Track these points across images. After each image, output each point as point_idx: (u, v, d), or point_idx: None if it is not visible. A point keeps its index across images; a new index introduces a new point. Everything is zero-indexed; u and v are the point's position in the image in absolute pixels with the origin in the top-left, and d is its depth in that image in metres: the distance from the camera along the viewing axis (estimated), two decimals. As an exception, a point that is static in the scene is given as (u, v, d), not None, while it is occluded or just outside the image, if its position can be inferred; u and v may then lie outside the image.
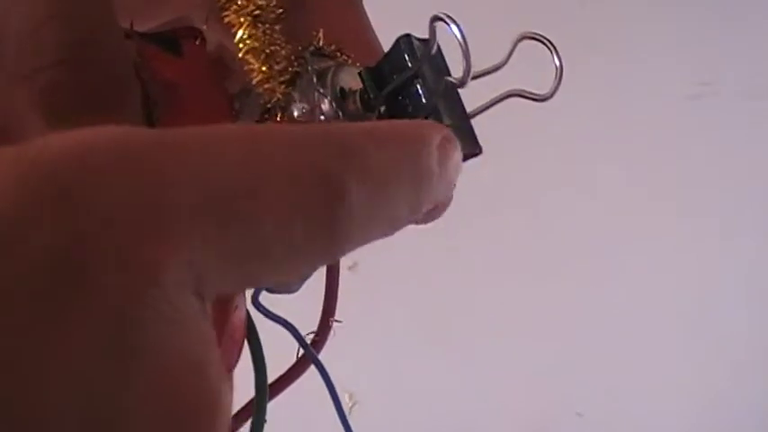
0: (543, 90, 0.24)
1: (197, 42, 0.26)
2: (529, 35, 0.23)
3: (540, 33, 0.22)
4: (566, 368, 0.98)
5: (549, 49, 0.22)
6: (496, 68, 0.24)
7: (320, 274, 0.28)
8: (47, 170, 0.15)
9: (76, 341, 0.14)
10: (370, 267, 0.94)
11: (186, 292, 0.16)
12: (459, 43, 0.22)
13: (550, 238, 1.03)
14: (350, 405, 0.92)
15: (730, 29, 1.11)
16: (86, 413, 0.14)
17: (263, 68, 0.24)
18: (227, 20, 0.24)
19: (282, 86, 0.24)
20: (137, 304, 0.15)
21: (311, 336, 0.27)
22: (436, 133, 0.22)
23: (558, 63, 0.22)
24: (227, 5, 0.24)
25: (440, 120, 0.23)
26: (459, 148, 0.22)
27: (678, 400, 0.98)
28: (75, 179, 0.15)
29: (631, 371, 0.99)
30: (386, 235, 0.20)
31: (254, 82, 0.24)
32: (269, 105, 0.25)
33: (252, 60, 0.24)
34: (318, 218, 0.18)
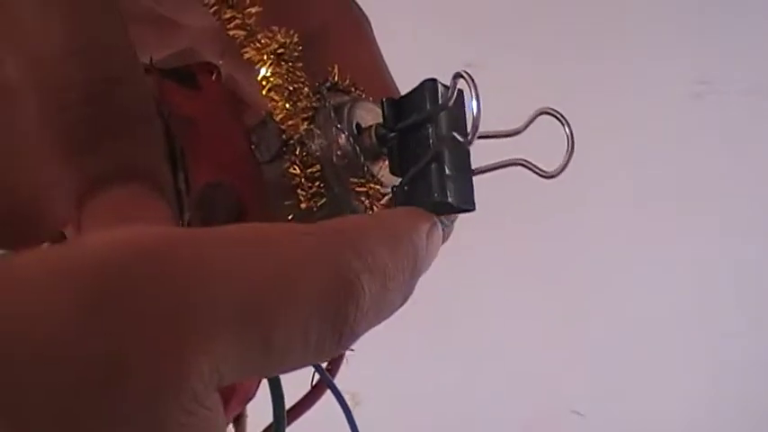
0: (550, 163, 0.24)
1: (213, 77, 0.26)
2: (547, 111, 0.23)
3: (559, 111, 0.23)
4: (565, 368, 0.98)
5: (563, 124, 0.23)
6: (510, 135, 0.25)
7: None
8: (89, 278, 0.16)
9: None
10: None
11: (211, 389, 0.17)
12: (473, 105, 0.23)
13: (550, 237, 1.03)
14: (352, 405, 0.93)
15: (731, 27, 1.11)
16: None
17: (287, 106, 0.25)
18: (247, 56, 0.24)
19: (306, 123, 0.25)
20: (169, 407, 0.16)
21: (324, 364, 0.28)
22: (425, 222, 0.23)
23: (569, 140, 0.23)
24: (247, 42, 0.24)
25: (442, 167, 0.23)
26: (440, 231, 0.24)
27: (678, 400, 0.98)
28: (116, 287, 0.16)
29: (631, 370, 0.99)
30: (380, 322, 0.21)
31: (277, 118, 0.25)
32: (287, 140, 0.25)
33: (276, 97, 0.24)
34: (334, 319, 0.19)
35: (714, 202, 1.05)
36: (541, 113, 0.23)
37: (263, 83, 0.24)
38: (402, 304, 0.22)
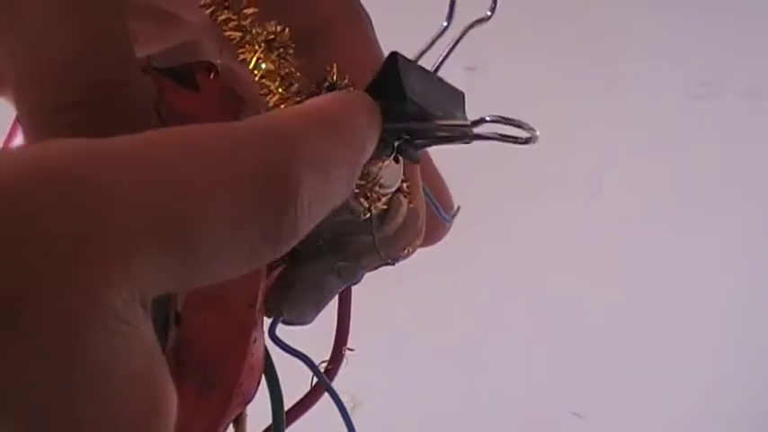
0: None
1: (211, 76, 0.26)
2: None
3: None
4: (564, 369, 0.98)
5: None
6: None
7: (333, 303, 0.28)
8: None
9: (20, 378, 0.15)
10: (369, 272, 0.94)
11: (134, 304, 0.16)
12: None
13: (550, 238, 1.03)
14: (351, 406, 0.92)
15: (731, 28, 1.12)
16: None
17: (280, 90, 0.24)
18: (242, 57, 0.24)
19: None
20: (82, 331, 0.15)
21: (323, 365, 0.28)
22: (364, 105, 0.22)
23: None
24: (243, 42, 0.24)
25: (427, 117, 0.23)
26: (380, 117, 0.23)
27: (677, 402, 0.98)
28: (10, 209, 0.15)
29: (630, 372, 0.99)
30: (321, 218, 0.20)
31: (270, 104, 0.24)
32: None
33: (268, 83, 0.24)
34: (271, 217, 0.18)
35: (714, 202, 1.05)
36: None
37: (255, 71, 0.24)
38: (344, 197, 0.21)
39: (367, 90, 0.24)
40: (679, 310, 1.01)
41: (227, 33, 0.24)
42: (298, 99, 0.25)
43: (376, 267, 0.28)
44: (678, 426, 0.98)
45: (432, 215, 0.31)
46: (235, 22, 0.24)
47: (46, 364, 0.15)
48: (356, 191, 0.25)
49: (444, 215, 0.31)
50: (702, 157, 1.06)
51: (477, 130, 0.24)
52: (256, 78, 0.24)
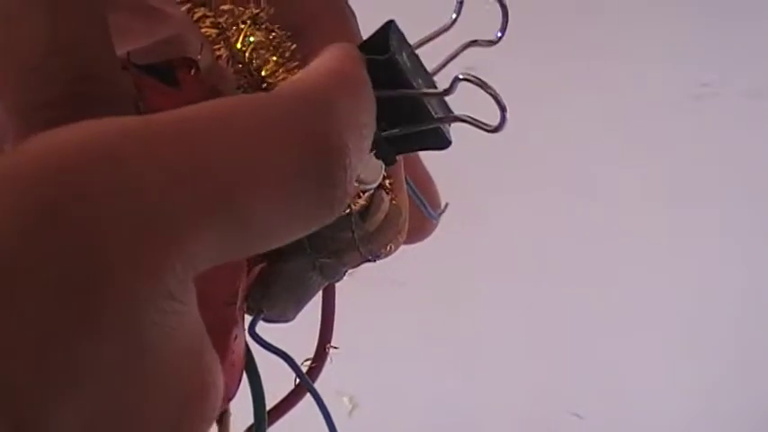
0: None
1: (192, 72, 0.26)
2: (464, 77, 0.23)
3: (474, 75, 0.22)
4: (564, 370, 0.98)
5: (482, 87, 0.22)
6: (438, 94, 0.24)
7: (317, 300, 0.28)
8: (33, 185, 0.15)
9: (91, 355, 0.15)
10: (368, 271, 0.93)
11: (188, 282, 0.16)
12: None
13: (550, 239, 1.03)
14: (350, 408, 0.92)
15: (731, 30, 1.11)
16: (96, 413, 0.15)
17: (274, 58, 0.24)
18: (217, 53, 0.24)
19: (298, 71, 0.24)
20: (146, 310, 0.15)
21: (307, 363, 0.27)
22: (356, 54, 0.22)
23: (496, 99, 0.22)
24: (219, 39, 0.24)
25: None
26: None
27: (677, 403, 0.98)
28: (64, 192, 0.15)
29: (630, 372, 0.99)
30: None
31: (265, 74, 0.24)
32: None
33: (261, 53, 0.24)
34: (322, 184, 0.18)
35: (714, 203, 1.05)
36: (458, 80, 0.23)
37: (244, 47, 0.23)
38: (367, 153, 0.21)
39: None
40: (679, 311, 1.01)
41: (204, 30, 0.24)
42: (294, 65, 0.24)
43: (358, 264, 0.28)
44: (678, 427, 0.98)
45: (418, 212, 0.30)
46: (211, 19, 0.24)
47: (110, 343, 0.15)
48: None
49: (431, 212, 0.31)
50: (702, 158, 1.06)
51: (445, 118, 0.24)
52: (247, 54, 0.24)
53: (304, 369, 0.27)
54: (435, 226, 0.32)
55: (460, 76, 0.22)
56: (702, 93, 1.09)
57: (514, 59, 1.06)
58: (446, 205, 0.32)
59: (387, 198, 0.27)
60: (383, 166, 0.26)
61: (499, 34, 0.26)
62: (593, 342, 0.99)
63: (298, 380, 0.27)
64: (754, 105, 1.09)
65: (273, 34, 0.24)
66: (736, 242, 1.04)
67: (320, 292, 0.28)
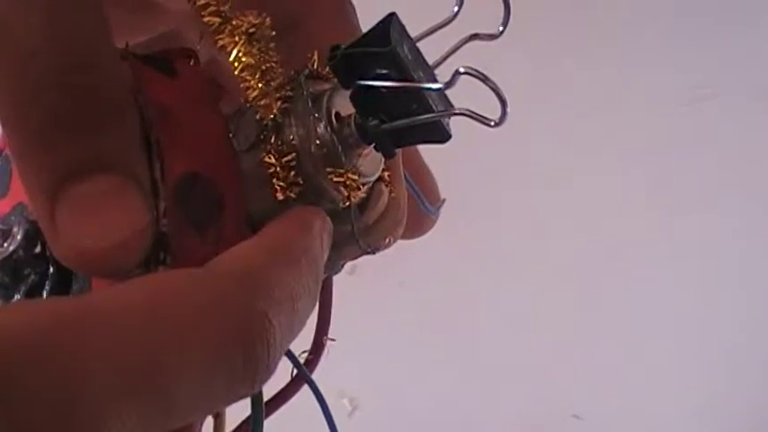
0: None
1: (191, 63, 0.25)
2: (465, 71, 0.23)
3: (474, 69, 0.22)
4: (565, 371, 0.98)
5: (482, 80, 0.22)
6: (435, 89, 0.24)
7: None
8: None
9: None
10: (369, 271, 0.93)
11: None
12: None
13: (549, 241, 1.03)
14: (350, 410, 0.92)
15: (730, 33, 1.11)
16: None
17: (260, 85, 0.24)
18: (220, 43, 0.24)
19: (279, 102, 0.24)
20: None
21: (304, 355, 0.27)
22: (316, 221, 0.23)
23: (496, 93, 0.22)
24: (222, 28, 0.24)
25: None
26: (328, 221, 0.23)
27: (677, 404, 0.98)
28: None
29: (630, 373, 0.99)
30: None
31: (250, 98, 0.24)
32: (265, 124, 0.24)
33: (248, 77, 0.24)
34: (243, 362, 0.19)
35: (713, 206, 1.05)
36: (459, 74, 0.22)
37: (236, 63, 0.24)
38: (311, 312, 0.22)
39: (354, 44, 0.24)
40: (679, 312, 1.01)
41: (206, 19, 0.24)
42: (277, 95, 0.24)
43: (356, 257, 0.27)
44: (679, 428, 0.98)
45: (417, 207, 0.30)
46: (213, 7, 0.24)
47: None
48: (336, 180, 0.25)
49: (429, 207, 0.31)
50: (701, 161, 1.06)
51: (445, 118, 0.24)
52: (236, 72, 0.24)
53: (301, 361, 0.27)
54: (434, 221, 0.32)
55: (461, 70, 0.23)
56: (701, 96, 1.09)
57: (512, 59, 1.06)
58: (443, 201, 0.32)
59: (386, 191, 0.27)
60: (382, 159, 0.26)
61: (501, 28, 0.27)
62: (593, 343, 0.99)
63: (295, 372, 0.27)
64: (753, 108, 1.09)
65: (266, 57, 0.24)
66: (736, 246, 1.04)
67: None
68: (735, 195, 1.05)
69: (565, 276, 1.01)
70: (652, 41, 1.10)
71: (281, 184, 0.24)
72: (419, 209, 0.31)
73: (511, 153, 1.01)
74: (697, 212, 1.04)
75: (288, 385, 0.27)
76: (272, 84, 0.24)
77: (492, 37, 0.26)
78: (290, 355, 0.26)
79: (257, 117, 0.24)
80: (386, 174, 0.27)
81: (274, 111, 0.24)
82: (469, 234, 1.00)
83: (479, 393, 0.97)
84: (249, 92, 0.24)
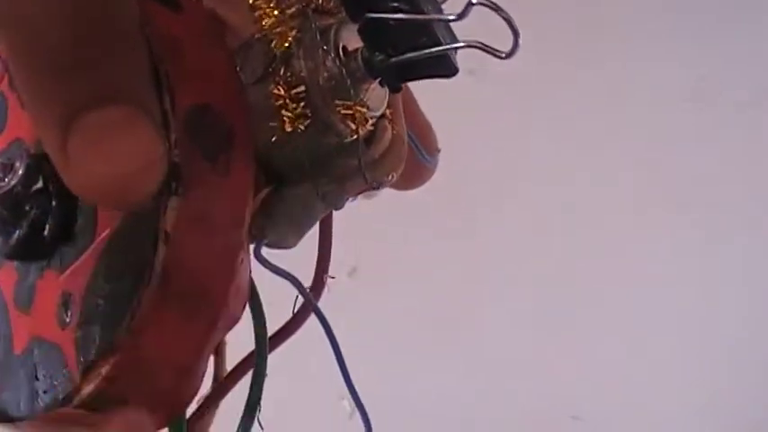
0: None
1: None
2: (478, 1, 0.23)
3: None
4: (565, 372, 0.98)
5: (495, 10, 0.23)
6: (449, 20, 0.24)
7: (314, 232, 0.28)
8: None
9: None
10: (369, 272, 0.93)
11: None
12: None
13: (549, 238, 1.03)
14: (350, 411, 0.92)
15: (729, 31, 1.11)
16: None
17: (275, 12, 0.24)
18: None
19: (294, 31, 0.25)
20: None
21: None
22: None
23: (510, 24, 0.23)
24: None
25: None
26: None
27: (677, 405, 0.98)
28: None
29: (631, 372, 0.98)
30: None
31: (266, 26, 0.24)
32: (273, 55, 0.25)
33: (263, 5, 0.24)
34: None
35: (712, 205, 1.05)
36: (472, 5, 0.22)
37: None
38: None
39: None
40: (679, 312, 1.01)
41: None
42: (292, 24, 0.25)
43: (360, 193, 0.28)
44: (680, 428, 0.98)
45: (414, 157, 0.31)
46: None
47: None
48: (344, 112, 0.25)
49: (426, 156, 0.31)
50: (700, 159, 1.06)
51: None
52: (251, 1, 0.24)
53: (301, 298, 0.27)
54: (432, 171, 0.32)
55: (474, 0, 0.23)
56: (701, 94, 1.09)
57: (514, 62, 1.06)
58: (439, 150, 0.33)
59: (389, 127, 0.27)
60: (387, 94, 0.27)
61: (512, 46, 0.26)
62: (593, 344, 0.99)
63: (299, 307, 0.27)
64: (753, 107, 1.09)
65: None
66: (736, 246, 1.04)
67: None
68: (737, 192, 1.05)
69: (566, 274, 1.01)
70: (655, 38, 1.10)
71: (290, 115, 0.24)
72: (417, 159, 0.31)
73: (513, 148, 1.01)
74: (699, 209, 1.04)
75: (293, 317, 0.27)
76: (287, 12, 0.25)
77: (499, 56, 0.26)
78: (297, 283, 0.26)
79: (266, 49, 0.25)
80: (388, 111, 0.27)
81: (290, 38, 0.24)
82: (470, 231, 1.00)
83: (480, 393, 0.97)
84: (264, 20, 0.24)
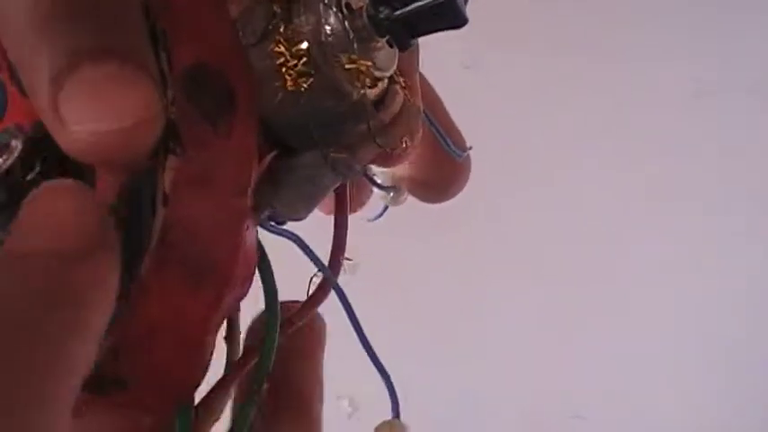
0: None
1: None
2: None
3: None
4: (567, 372, 0.98)
5: None
6: None
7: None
8: None
9: None
10: (370, 271, 0.93)
11: None
12: None
13: (550, 239, 1.02)
14: (350, 411, 0.92)
15: (729, 28, 1.11)
16: None
17: None
18: None
19: None
20: None
21: (320, 274, 0.26)
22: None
23: None
24: None
25: None
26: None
27: (681, 405, 0.98)
28: None
29: (631, 373, 0.98)
30: None
31: None
32: (274, 12, 0.24)
33: None
34: None
35: (713, 203, 1.04)
36: None
37: None
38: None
39: None
40: (680, 311, 1.01)
41: None
42: None
43: (372, 161, 0.27)
44: (678, 429, 0.98)
45: (449, 163, 0.30)
46: None
47: None
48: (348, 66, 0.24)
49: (456, 150, 0.30)
50: (700, 158, 1.06)
51: None
52: None
53: (316, 281, 0.26)
54: (466, 171, 0.31)
55: None
56: (700, 92, 1.09)
57: (510, 57, 1.06)
58: (470, 147, 0.32)
59: (401, 92, 0.26)
60: (397, 54, 0.25)
61: None
62: (596, 344, 0.98)
63: (311, 289, 0.26)
64: (753, 105, 1.09)
65: None
66: (736, 243, 1.04)
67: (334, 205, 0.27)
68: (736, 191, 1.05)
69: (566, 275, 1.00)
70: (655, 37, 1.10)
71: (292, 72, 0.24)
72: (447, 154, 0.30)
73: (513, 148, 1.01)
74: (699, 209, 1.04)
75: (313, 294, 0.26)
76: None
77: None
78: (302, 244, 0.25)
79: (267, 9, 0.24)
80: (401, 79, 0.26)
81: None
82: (470, 232, 1.00)
83: (482, 392, 0.97)
84: None
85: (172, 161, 0.22)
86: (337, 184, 0.26)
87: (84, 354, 0.19)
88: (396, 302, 0.98)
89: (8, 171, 0.24)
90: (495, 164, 1.02)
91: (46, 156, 0.23)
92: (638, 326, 0.99)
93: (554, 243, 1.02)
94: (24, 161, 0.24)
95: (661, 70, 1.08)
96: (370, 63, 0.24)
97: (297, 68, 0.24)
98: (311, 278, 0.26)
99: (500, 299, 0.99)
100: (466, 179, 0.32)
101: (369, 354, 0.27)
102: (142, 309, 0.22)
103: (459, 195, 0.32)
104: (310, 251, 0.25)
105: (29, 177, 0.24)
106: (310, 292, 0.26)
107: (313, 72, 0.24)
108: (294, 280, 0.26)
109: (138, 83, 0.20)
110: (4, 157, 0.24)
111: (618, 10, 1.12)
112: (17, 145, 0.24)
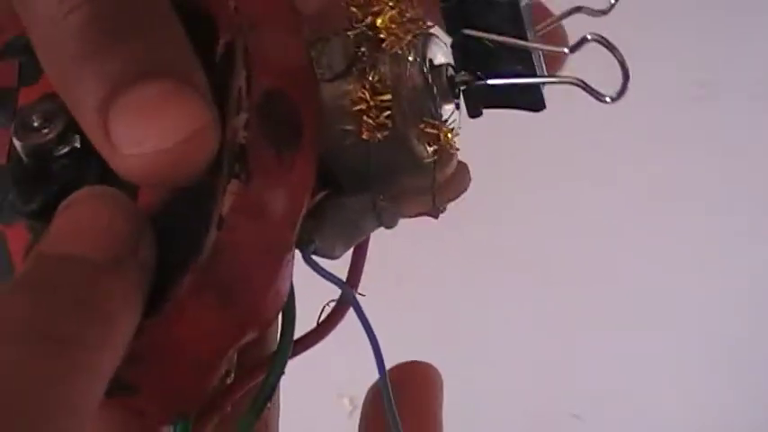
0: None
1: None
2: (593, 38, 0.21)
3: (604, 37, 0.21)
4: (563, 370, 0.98)
5: (610, 50, 0.21)
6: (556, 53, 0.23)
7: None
8: None
9: None
10: (370, 271, 0.93)
11: None
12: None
13: (549, 239, 1.02)
14: (350, 409, 0.92)
15: (732, 29, 1.11)
16: None
17: (394, 12, 0.23)
18: None
19: (410, 35, 0.23)
20: None
21: (332, 304, 0.26)
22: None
23: (622, 66, 0.21)
24: None
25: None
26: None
27: (679, 405, 0.97)
28: None
29: (633, 373, 0.98)
30: None
31: (379, 25, 0.23)
32: (358, 54, 0.23)
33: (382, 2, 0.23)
34: None
35: (713, 204, 1.04)
36: (587, 41, 0.21)
37: None
38: None
39: None
40: (681, 311, 1.00)
41: None
42: (410, 27, 0.23)
43: (413, 216, 0.26)
44: (681, 427, 0.98)
45: None
46: None
47: None
48: (428, 131, 0.23)
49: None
50: (703, 158, 1.06)
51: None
52: None
53: (328, 310, 0.26)
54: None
55: (589, 37, 0.22)
56: (703, 93, 1.09)
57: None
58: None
59: (456, 153, 0.26)
60: (460, 115, 0.25)
61: (611, 1, 0.25)
62: (592, 342, 0.98)
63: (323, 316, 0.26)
64: (755, 105, 1.08)
65: None
66: (738, 244, 1.03)
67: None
68: (739, 191, 1.05)
69: (566, 275, 1.00)
70: (658, 38, 1.10)
71: (371, 123, 0.23)
72: None
73: (514, 148, 1.01)
74: (700, 209, 1.04)
75: (329, 316, 0.26)
76: (407, 15, 0.23)
77: (600, 13, 0.25)
78: (345, 288, 0.25)
79: (346, 45, 0.23)
80: (455, 140, 0.26)
81: (403, 44, 0.23)
82: (470, 232, 1.00)
83: (479, 392, 0.97)
84: (381, 16, 0.23)
85: (234, 185, 0.21)
86: (376, 230, 0.25)
87: (109, 362, 0.19)
88: (394, 302, 0.98)
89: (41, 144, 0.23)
90: (495, 164, 1.02)
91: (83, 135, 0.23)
92: (640, 325, 0.99)
93: (555, 241, 1.02)
94: (65, 134, 0.24)
95: (664, 71, 1.08)
96: (450, 131, 0.23)
97: (377, 120, 0.23)
98: (323, 307, 0.26)
99: (500, 299, 0.99)
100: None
101: (378, 367, 0.27)
102: (174, 326, 0.22)
103: (462, 198, 0.32)
104: (341, 282, 0.26)
105: (67, 148, 0.23)
106: (323, 316, 0.26)
107: (390, 125, 0.23)
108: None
109: (184, 100, 0.20)
110: (47, 129, 0.24)
111: (622, 11, 1.11)
112: (59, 123, 0.23)
